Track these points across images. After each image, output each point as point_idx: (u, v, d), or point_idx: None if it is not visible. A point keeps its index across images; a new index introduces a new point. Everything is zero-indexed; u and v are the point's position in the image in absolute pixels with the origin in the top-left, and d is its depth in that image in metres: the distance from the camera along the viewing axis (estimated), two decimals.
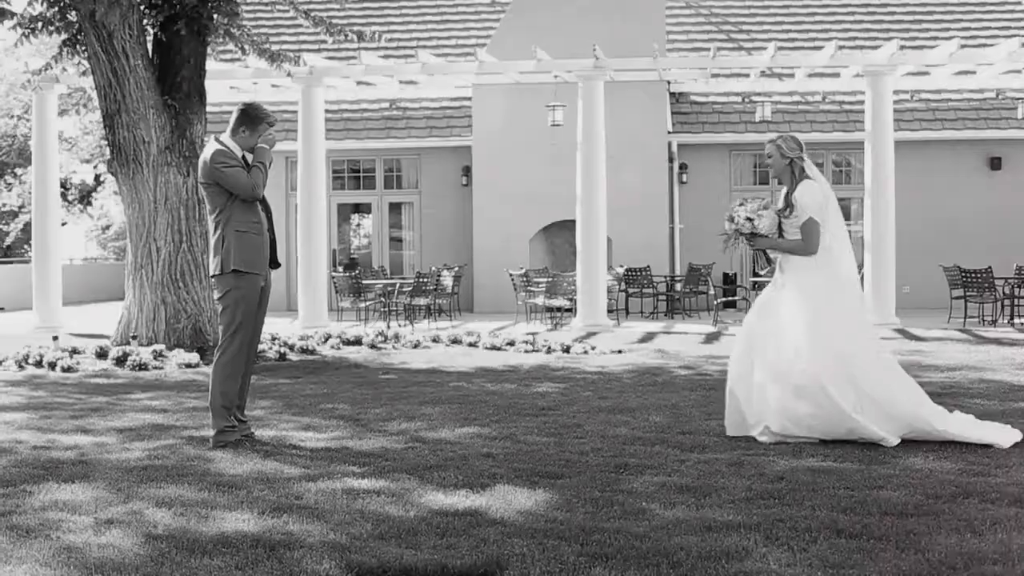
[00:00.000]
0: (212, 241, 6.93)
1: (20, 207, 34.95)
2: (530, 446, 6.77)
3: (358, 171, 22.23)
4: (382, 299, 17.68)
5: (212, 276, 6.99)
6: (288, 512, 5.11)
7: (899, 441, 6.60)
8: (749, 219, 6.99)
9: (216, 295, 7.01)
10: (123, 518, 5.05)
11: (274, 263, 7.13)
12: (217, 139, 6.99)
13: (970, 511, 5.02)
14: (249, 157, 6.95)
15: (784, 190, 7.12)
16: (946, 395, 8.85)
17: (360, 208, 23.32)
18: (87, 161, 36.07)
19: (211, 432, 6.94)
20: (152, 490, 5.61)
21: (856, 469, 5.95)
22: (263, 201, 7.05)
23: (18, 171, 35.02)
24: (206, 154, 6.91)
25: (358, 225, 23.99)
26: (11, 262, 32.09)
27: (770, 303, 7.03)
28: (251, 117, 6.94)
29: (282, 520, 4.97)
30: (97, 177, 37.28)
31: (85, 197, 37.73)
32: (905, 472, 5.86)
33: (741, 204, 7.09)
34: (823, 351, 6.70)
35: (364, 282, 17.69)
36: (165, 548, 4.56)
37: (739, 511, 5.07)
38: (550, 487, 5.60)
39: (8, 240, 36.60)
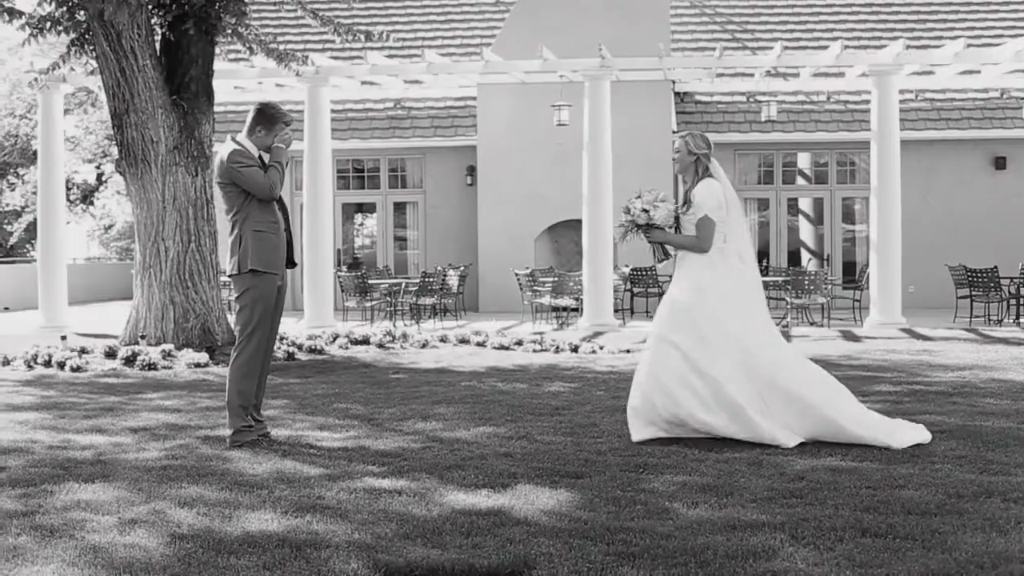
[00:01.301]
0: (229, 241, 6.93)
1: (23, 207, 34.92)
2: (547, 445, 6.77)
3: (362, 171, 22.23)
4: (387, 299, 17.68)
5: (229, 276, 6.99)
6: (311, 512, 5.11)
7: (799, 442, 6.54)
8: (645, 210, 6.98)
9: (233, 295, 7.01)
10: (146, 518, 5.05)
11: (291, 263, 7.13)
12: (233, 139, 6.98)
13: (993, 510, 5.02)
14: (265, 157, 6.95)
15: (687, 186, 7.11)
16: (957, 395, 8.87)
17: (363, 208, 23.30)
18: (89, 161, 36.04)
19: (227, 432, 6.94)
20: (173, 490, 5.61)
21: (876, 468, 5.95)
22: (280, 201, 7.05)
23: (20, 171, 34.99)
24: (223, 154, 6.91)
25: (361, 224, 23.98)
26: (14, 262, 32.07)
27: (669, 299, 7.04)
28: (268, 117, 6.94)
29: (306, 520, 4.97)
30: (99, 177, 37.25)
31: (87, 197, 37.70)
32: (925, 471, 5.86)
33: (638, 196, 7.09)
34: (720, 350, 6.68)
35: (370, 281, 17.69)
36: (191, 548, 4.56)
37: (762, 510, 5.07)
38: (571, 486, 5.60)
39: (12, 240, 36.57)
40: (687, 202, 6.97)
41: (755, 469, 5.99)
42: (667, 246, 7.10)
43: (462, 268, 19.26)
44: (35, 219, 30.39)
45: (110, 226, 38.79)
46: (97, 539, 4.71)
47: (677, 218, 7.02)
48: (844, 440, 6.59)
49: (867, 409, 6.97)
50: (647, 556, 4.39)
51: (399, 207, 22.14)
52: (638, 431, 6.86)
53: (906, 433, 6.70)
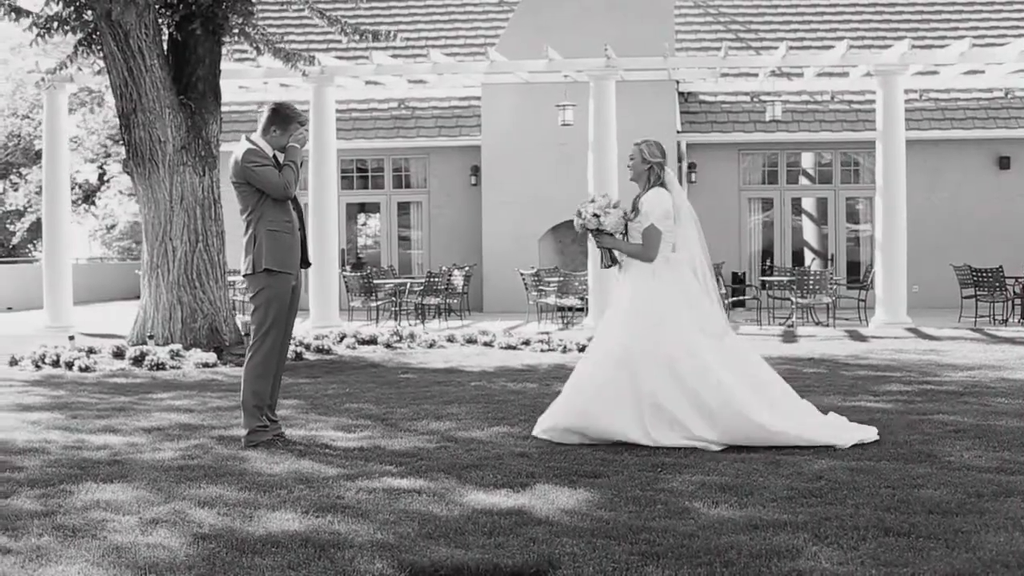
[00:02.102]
0: (244, 241, 6.93)
1: (26, 207, 34.88)
2: (562, 445, 6.76)
3: (366, 170, 22.23)
4: (393, 298, 17.68)
5: (244, 275, 6.99)
6: (332, 512, 5.11)
7: (721, 448, 6.50)
8: (596, 215, 7.00)
9: (248, 295, 7.01)
10: (167, 518, 5.05)
11: (305, 262, 7.12)
12: (248, 138, 6.98)
13: (1014, 509, 5.02)
14: (280, 156, 6.95)
15: (638, 193, 7.12)
16: (968, 394, 8.87)
17: (365, 208, 23.30)
18: (91, 161, 36.01)
19: (242, 432, 6.93)
20: (192, 490, 5.60)
21: (893, 468, 5.95)
22: (294, 200, 7.05)
23: (23, 171, 34.95)
24: (237, 153, 6.90)
25: (364, 224, 23.98)
26: (17, 262, 32.05)
27: (614, 303, 7.10)
28: (282, 116, 6.94)
29: (327, 520, 4.97)
30: (101, 176, 37.22)
31: (89, 197, 37.68)
32: (943, 471, 5.86)
33: (592, 200, 7.11)
34: (649, 356, 6.67)
35: (375, 281, 17.69)
36: (214, 548, 4.56)
37: (783, 510, 5.07)
38: (590, 486, 5.60)
39: (14, 240, 36.55)
40: (635, 209, 6.99)
41: (773, 469, 5.99)
42: (615, 252, 7.11)
43: (467, 268, 19.25)
44: (38, 219, 30.38)
45: (112, 226, 38.79)
46: (120, 539, 4.71)
47: (627, 225, 7.02)
48: (778, 444, 6.52)
49: (805, 412, 6.90)
50: (671, 555, 4.39)
51: (403, 207, 22.12)
52: (538, 426, 7.03)
53: (852, 433, 6.71)
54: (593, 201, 7.09)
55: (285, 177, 6.86)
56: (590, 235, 7.11)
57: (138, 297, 18.00)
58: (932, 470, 5.89)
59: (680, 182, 20.67)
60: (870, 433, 6.80)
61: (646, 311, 6.82)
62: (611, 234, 7.00)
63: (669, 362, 6.68)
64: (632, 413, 6.66)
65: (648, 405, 6.63)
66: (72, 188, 35.40)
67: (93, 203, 38.06)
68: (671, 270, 6.92)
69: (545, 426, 7.00)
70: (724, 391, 6.62)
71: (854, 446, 6.56)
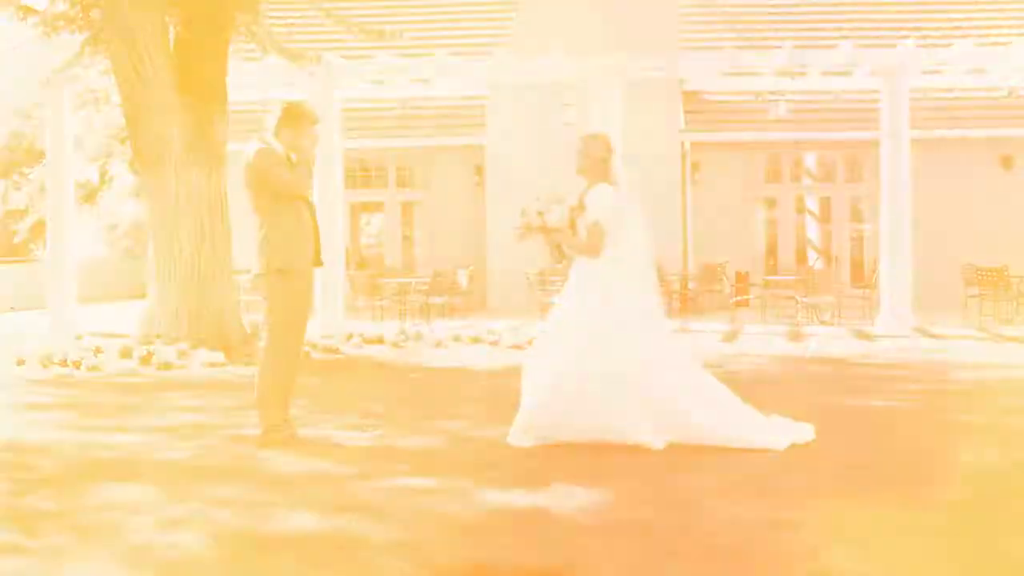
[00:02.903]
0: (257, 240, 6.91)
1: (28, 206, 34.82)
2: (575, 444, 6.75)
3: (370, 170, 22.22)
4: (397, 298, 17.68)
5: (256, 275, 6.97)
6: (350, 511, 5.10)
7: (663, 445, 6.48)
8: (540, 212, 6.97)
9: (261, 294, 7.01)
10: (185, 517, 5.04)
11: (317, 262, 7.11)
12: (260, 138, 6.97)
13: None
14: (293, 156, 6.94)
15: (584, 188, 7.10)
16: (978, 393, 8.89)
17: (370, 207, 23.28)
18: (93, 160, 35.95)
19: (255, 431, 6.93)
20: (209, 489, 5.60)
21: (908, 467, 5.95)
22: (306, 200, 7.03)
23: (24, 170, 34.91)
24: (250, 153, 6.89)
25: (367, 223, 23.97)
26: (19, 261, 32.01)
27: (563, 292, 7.13)
28: (295, 116, 6.92)
29: (346, 519, 4.97)
30: (103, 176, 37.18)
31: (91, 196, 37.62)
32: (960, 470, 5.86)
33: (537, 199, 7.07)
34: (592, 350, 6.68)
35: (380, 280, 17.69)
36: (234, 547, 4.55)
37: (801, 508, 5.07)
38: (607, 485, 5.59)
39: (16, 239, 36.50)
40: (582, 205, 6.98)
41: (786, 468, 5.99)
42: (564, 247, 7.09)
43: (471, 268, 19.25)
44: (40, 218, 30.35)
45: (115, 225, 38.76)
46: (138, 539, 4.70)
47: (575, 220, 7.00)
48: (711, 443, 6.50)
49: (745, 414, 6.83)
50: (691, 554, 4.39)
51: (407, 206, 22.12)
52: (515, 436, 6.86)
53: (788, 434, 6.68)
54: (538, 199, 7.08)
55: (298, 177, 6.85)
56: (538, 233, 7.02)
57: (142, 296, 18.00)
58: (947, 469, 5.89)
59: (684, 181, 20.69)
60: (805, 433, 6.75)
61: (591, 302, 6.83)
62: (558, 230, 6.98)
63: (610, 351, 6.67)
64: (588, 401, 6.64)
65: (597, 386, 6.62)
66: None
67: (95, 202, 38.02)
68: (615, 263, 6.90)
69: (513, 429, 6.93)
70: (660, 384, 6.65)
71: (862, 446, 6.56)
